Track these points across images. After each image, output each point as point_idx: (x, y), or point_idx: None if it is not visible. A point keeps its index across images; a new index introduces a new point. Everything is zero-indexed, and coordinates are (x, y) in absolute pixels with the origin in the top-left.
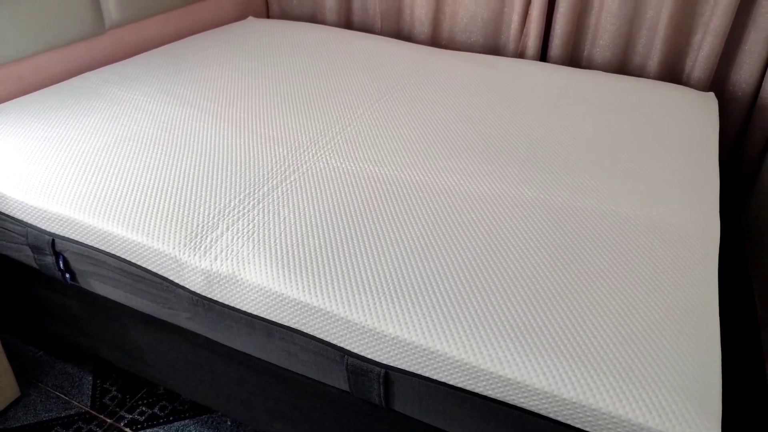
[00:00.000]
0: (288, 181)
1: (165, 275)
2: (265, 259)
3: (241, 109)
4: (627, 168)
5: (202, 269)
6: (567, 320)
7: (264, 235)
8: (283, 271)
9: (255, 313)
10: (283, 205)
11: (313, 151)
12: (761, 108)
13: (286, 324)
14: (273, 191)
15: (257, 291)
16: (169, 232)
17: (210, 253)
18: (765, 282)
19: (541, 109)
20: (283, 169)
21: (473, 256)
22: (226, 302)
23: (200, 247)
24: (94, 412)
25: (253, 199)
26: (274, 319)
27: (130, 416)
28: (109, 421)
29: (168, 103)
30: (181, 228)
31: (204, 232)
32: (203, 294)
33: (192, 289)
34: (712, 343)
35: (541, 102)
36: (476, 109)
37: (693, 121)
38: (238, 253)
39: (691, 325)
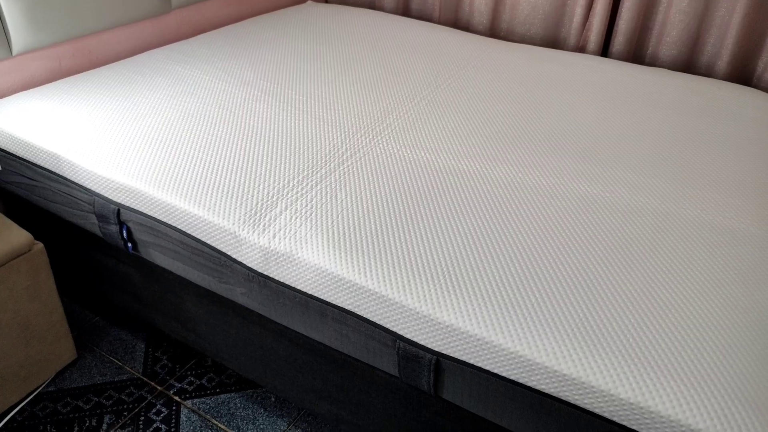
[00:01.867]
0: (345, 165)
1: (223, 250)
2: (322, 239)
3: (300, 91)
4: (690, 169)
5: (260, 246)
6: (626, 319)
7: (321, 216)
8: (340, 253)
9: (309, 292)
10: (341, 188)
11: (370, 137)
12: None
13: (339, 305)
14: (330, 174)
15: (313, 270)
16: (230, 208)
17: (268, 231)
18: None
19: (603, 106)
20: (340, 152)
21: (530, 248)
22: (282, 280)
23: (259, 224)
24: (145, 379)
25: (311, 181)
26: (328, 300)
27: (179, 385)
28: (159, 388)
29: (229, 83)
30: (241, 205)
31: (263, 210)
32: (260, 271)
33: (249, 265)
34: None
35: (603, 98)
36: (534, 103)
37: (761, 125)
38: (295, 232)
39: (755, 331)
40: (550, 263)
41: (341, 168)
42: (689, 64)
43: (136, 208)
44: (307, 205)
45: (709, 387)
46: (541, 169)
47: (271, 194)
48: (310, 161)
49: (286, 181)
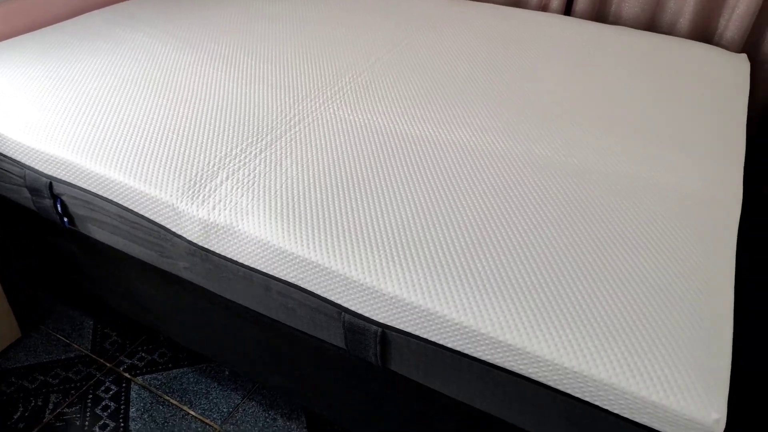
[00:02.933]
0: (293, 131)
1: (162, 223)
2: (264, 210)
3: (249, 53)
4: (649, 130)
5: (200, 219)
6: (575, 286)
7: (264, 186)
8: (282, 224)
9: (252, 265)
10: (286, 156)
11: (321, 101)
12: None
13: (283, 278)
14: (277, 141)
15: (255, 243)
16: (167, 180)
17: (208, 203)
18: None
19: (564, 65)
20: (288, 118)
21: (481, 216)
22: (224, 253)
23: (198, 196)
24: (93, 356)
25: (256, 149)
26: (271, 273)
27: (130, 361)
28: (108, 365)
29: (173, 46)
30: (180, 175)
31: (203, 181)
32: (201, 244)
33: (189, 238)
34: (725, 316)
35: (564, 58)
36: (494, 63)
37: (722, 84)
38: (236, 203)
39: (704, 297)
40: (502, 230)
41: (288, 134)
42: (652, 22)
43: (69, 180)
44: (249, 175)
45: (654, 354)
46: (498, 133)
47: (212, 164)
48: (256, 128)
49: (228, 149)
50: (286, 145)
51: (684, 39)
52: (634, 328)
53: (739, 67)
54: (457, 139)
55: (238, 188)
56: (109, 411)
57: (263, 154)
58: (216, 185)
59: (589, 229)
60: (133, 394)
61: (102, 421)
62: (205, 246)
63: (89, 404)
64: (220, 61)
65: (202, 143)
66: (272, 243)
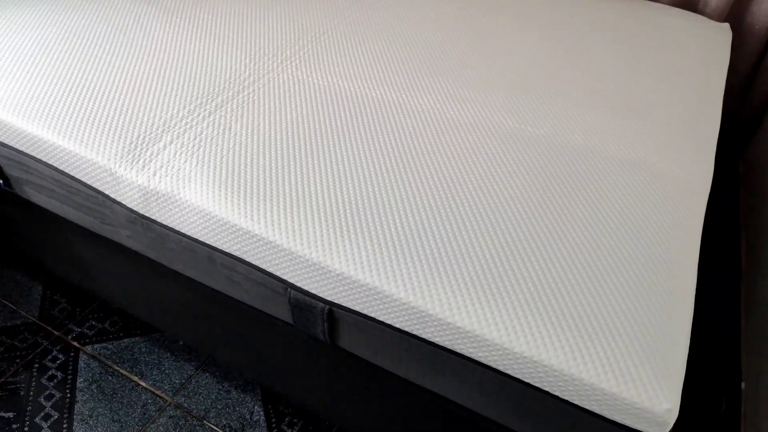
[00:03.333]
0: (246, 93)
1: (100, 189)
2: (208, 178)
3: (204, 7)
4: (621, 102)
5: (139, 185)
6: (530, 267)
7: (210, 152)
8: (226, 194)
9: (195, 236)
10: (236, 120)
11: (279, 61)
12: None
13: (227, 251)
14: (227, 103)
15: (197, 213)
16: (106, 142)
17: (148, 168)
18: (755, 235)
19: (537, 34)
20: (242, 78)
21: (438, 189)
22: (165, 223)
23: (138, 160)
24: (41, 323)
25: (204, 111)
26: (215, 245)
27: (79, 330)
28: (56, 333)
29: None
30: (120, 138)
31: (144, 145)
32: (141, 212)
33: (129, 206)
34: (686, 303)
35: (538, 26)
36: (464, 30)
37: (701, 54)
38: (179, 169)
39: (664, 280)
40: (458, 206)
41: (240, 96)
42: None
43: (0, 140)
44: (195, 139)
45: (607, 339)
46: (463, 101)
47: (155, 126)
48: (206, 88)
49: (175, 111)
50: (237, 107)
51: (666, 6)
52: (588, 311)
53: (721, 37)
54: (419, 106)
55: (181, 153)
56: (55, 381)
57: (212, 117)
58: (158, 149)
59: (549, 205)
60: (81, 364)
61: (48, 392)
62: (146, 214)
63: (35, 374)
64: (170, 13)
65: (146, 104)
66: (215, 213)
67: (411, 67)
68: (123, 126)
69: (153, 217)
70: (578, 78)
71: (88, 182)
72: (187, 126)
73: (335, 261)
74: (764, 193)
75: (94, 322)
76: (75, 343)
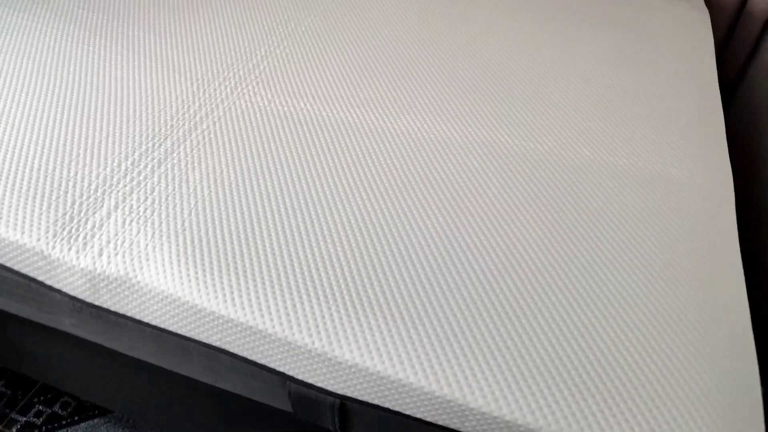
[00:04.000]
0: (199, 130)
1: (32, 275)
2: (170, 252)
3: (137, 26)
4: (614, 105)
5: (82, 269)
6: (570, 337)
7: (167, 216)
8: (196, 271)
9: (161, 326)
10: (193, 168)
11: (233, 84)
12: (747, 18)
13: (205, 341)
14: (179, 146)
15: (161, 299)
16: (31, 217)
17: (92, 246)
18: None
19: (523, 24)
20: (192, 112)
21: (447, 243)
22: (121, 311)
23: (77, 236)
24: None
25: (152, 160)
26: (188, 335)
27: (24, 419)
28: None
29: (39, 17)
30: (49, 209)
31: (82, 215)
32: (88, 301)
33: (72, 294)
34: (747, 348)
35: (523, 14)
36: (435, 26)
37: (686, 39)
38: (131, 244)
39: (722, 335)
40: (474, 262)
41: (194, 136)
42: None
43: None
44: (146, 200)
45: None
46: (448, 117)
47: (93, 188)
48: (151, 129)
49: (115, 164)
50: (191, 150)
51: None
52: (650, 387)
53: (700, 16)
54: (401, 128)
55: (131, 222)
56: None
57: (162, 167)
58: (101, 219)
59: (567, 241)
60: None
61: None
62: (95, 303)
63: None
64: (99, 36)
65: (76, 158)
66: (185, 298)
67: (383, 78)
68: (52, 192)
69: (104, 306)
70: (567, 78)
71: (16, 268)
72: (134, 183)
73: (344, 350)
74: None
75: (41, 407)
76: None
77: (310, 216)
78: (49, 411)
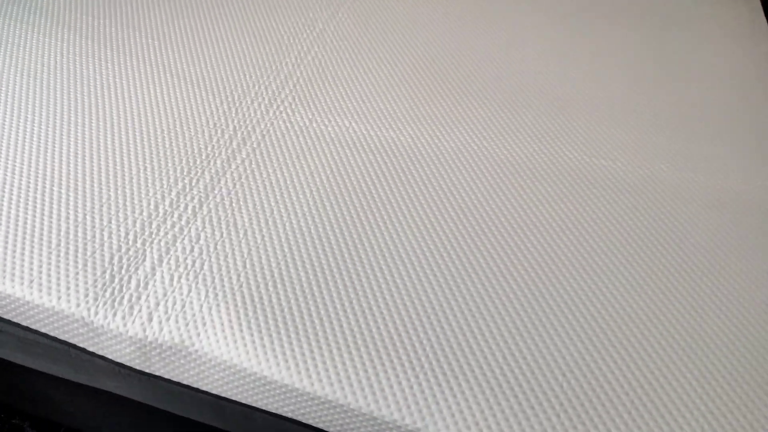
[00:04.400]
0: (239, 160)
1: (71, 341)
2: (228, 314)
3: (147, 33)
4: (665, 110)
5: (131, 337)
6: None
7: (220, 270)
8: (261, 337)
9: (222, 394)
10: (239, 207)
11: (267, 102)
12: None
13: (275, 411)
14: (219, 181)
15: (222, 368)
16: (66, 278)
17: (140, 310)
18: None
19: (543, 21)
20: (227, 137)
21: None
22: (175, 379)
23: (122, 299)
24: None
25: (192, 200)
26: (253, 404)
27: None
28: None
29: (46, 30)
30: (85, 267)
31: (123, 272)
32: (137, 368)
33: (118, 360)
34: None
35: (542, 11)
36: (462, 27)
37: (739, 34)
38: (183, 306)
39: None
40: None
41: (234, 166)
42: None
43: None
44: (192, 250)
45: None
46: (501, 133)
47: (131, 237)
48: (185, 161)
49: (152, 207)
50: (235, 185)
51: None
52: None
53: (753, 6)
54: (462, 148)
55: (180, 278)
56: None
57: (205, 208)
58: (145, 276)
59: (635, 274)
60: None
61: None
62: (146, 370)
63: None
64: (107, 47)
65: (109, 200)
66: (249, 368)
67: (424, 89)
68: (85, 245)
69: (156, 373)
70: (617, 87)
71: (53, 334)
72: (176, 230)
73: (438, 426)
74: None
75: None
76: None
77: (385, 259)
78: None
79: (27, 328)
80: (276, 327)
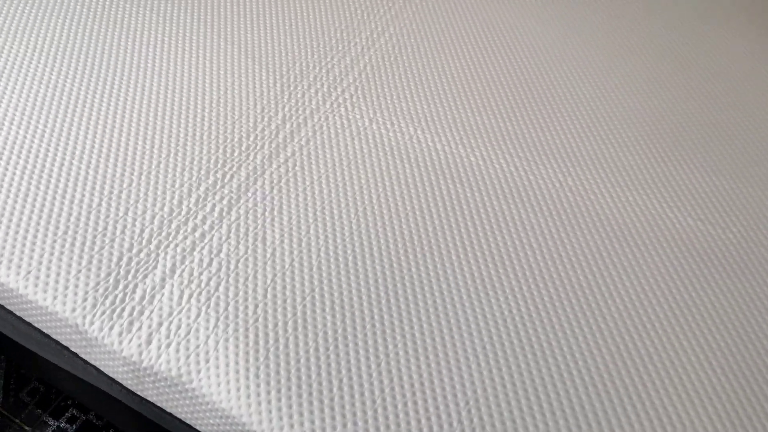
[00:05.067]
0: (281, 158)
1: (65, 344)
2: (236, 356)
3: (197, 24)
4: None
5: (125, 357)
6: None
7: (236, 295)
8: (267, 393)
9: None
10: (272, 219)
11: (325, 89)
12: None
13: None
14: (255, 181)
15: (220, 416)
16: (66, 275)
17: (139, 329)
18: None
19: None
20: (273, 127)
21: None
22: (168, 410)
23: (122, 311)
24: (5, 412)
25: (221, 201)
26: None
27: (55, 423)
28: (27, 428)
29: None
30: (89, 266)
31: (130, 278)
32: (130, 389)
33: (111, 376)
34: None
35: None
36: (568, 43)
37: None
38: (188, 333)
39: None
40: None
41: (275, 165)
42: None
43: None
44: (210, 264)
45: None
46: (590, 172)
47: (146, 236)
48: (222, 149)
49: (175, 202)
50: (272, 189)
51: None
52: None
53: None
54: (545, 182)
55: (191, 297)
56: None
57: (234, 213)
58: (153, 288)
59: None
60: None
61: None
62: (140, 394)
63: None
64: (164, 11)
65: (129, 186)
66: (250, 426)
67: (511, 105)
68: (94, 239)
69: (149, 399)
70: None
71: (46, 331)
72: (196, 235)
73: None
74: None
75: (75, 412)
76: None
77: (436, 313)
78: (84, 418)
79: (20, 319)
80: (287, 383)
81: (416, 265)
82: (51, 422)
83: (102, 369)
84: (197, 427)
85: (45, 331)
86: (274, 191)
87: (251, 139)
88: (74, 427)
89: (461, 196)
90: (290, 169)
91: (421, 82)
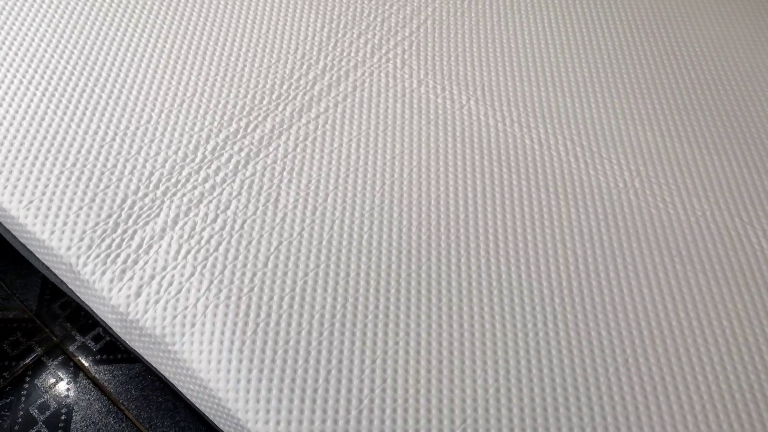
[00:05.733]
0: (314, 113)
1: (62, 278)
2: (225, 322)
3: None
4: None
5: (113, 306)
6: None
7: (235, 259)
8: (250, 371)
9: (195, 404)
10: (290, 179)
11: (376, 40)
12: None
13: None
14: (281, 134)
15: (198, 384)
16: (67, 211)
17: (131, 279)
18: None
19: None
20: (311, 76)
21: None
22: (153, 364)
23: (116, 257)
24: (38, 321)
25: (239, 152)
26: (220, 427)
27: (82, 340)
28: (54, 339)
29: None
30: (91, 204)
31: (130, 223)
32: (120, 337)
33: (103, 319)
34: None
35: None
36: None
37: None
38: (179, 293)
39: None
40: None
41: (306, 119)
42: None
43: None
44: (215, 220)
45: None
46: (668, 168)
47: (154, 179)
48: (251, 94)
49: (191, 146)
50: (297, 146)
51: None
52: None
53: None
54: (608, 176)
55: (188, 254)
56: (47, 413)
57: (250, 168)
58: (151, 237)
59: None
60: (78, 393)
61: (36, 428)
62: (128, 343)
63: (23, 397)
64: None
65: (147, 123)
66: (225, 403)
67: (591, 84)
68: (102, 175)
69: (137, 351)
70: None
71: (46, 263)
72: (206, 186)
73: None
74: None
75: (101, 331)
76: (75, 359)
77: (459, 318)
78: (108, 339)
79: (23, 245)
80: (271, 364)
81: (438, 255)
82: (78, 337)
83: (94, 311)
84: (179, 389)
85: (45, 262)
86: (297, 149)
87: (284, 87)
88: (98, 345)
89: (506, 183)
90: (320, 126)
91: (483, 47)
